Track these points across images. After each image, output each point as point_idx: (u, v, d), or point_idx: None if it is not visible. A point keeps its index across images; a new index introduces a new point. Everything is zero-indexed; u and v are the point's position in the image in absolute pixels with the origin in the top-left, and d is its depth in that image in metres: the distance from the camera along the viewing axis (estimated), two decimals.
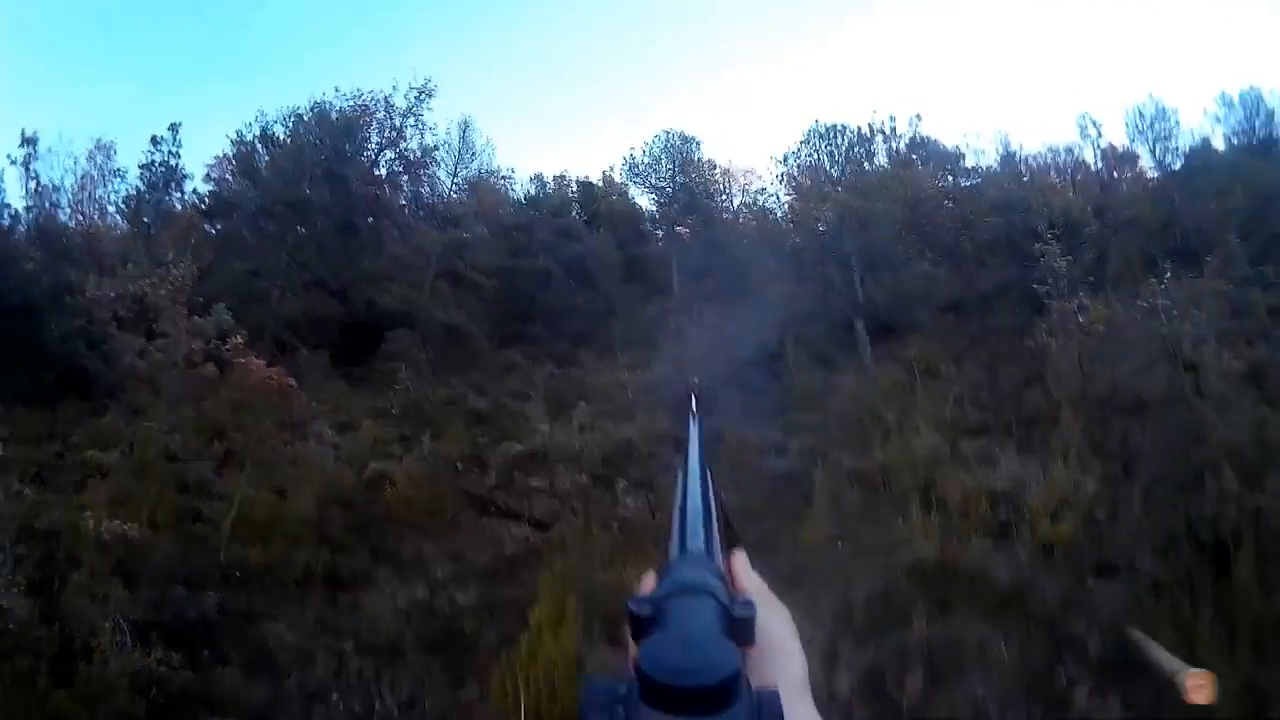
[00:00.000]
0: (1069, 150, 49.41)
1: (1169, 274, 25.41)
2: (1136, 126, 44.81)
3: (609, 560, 20.70)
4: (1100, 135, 45.28)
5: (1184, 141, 46.29)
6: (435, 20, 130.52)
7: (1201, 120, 49.05)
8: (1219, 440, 20.61)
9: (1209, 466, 19.25)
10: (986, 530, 19.28)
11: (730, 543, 1.69)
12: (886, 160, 55.25)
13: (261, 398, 25.10)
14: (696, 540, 1.55)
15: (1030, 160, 51.45)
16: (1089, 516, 19.21)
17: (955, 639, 15.01)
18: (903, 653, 15.19)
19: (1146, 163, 46.07)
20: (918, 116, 56.88)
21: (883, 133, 56.28)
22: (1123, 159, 44.05)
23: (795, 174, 55.89)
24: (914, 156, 55.68)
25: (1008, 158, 51.47)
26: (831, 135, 55.64)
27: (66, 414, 30.10)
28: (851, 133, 55.46)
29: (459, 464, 28.86)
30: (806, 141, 56.04)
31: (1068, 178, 47.54)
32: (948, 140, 57.44)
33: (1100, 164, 45.88)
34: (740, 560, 1.66)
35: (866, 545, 19.97)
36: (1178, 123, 45.33)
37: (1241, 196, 36.55)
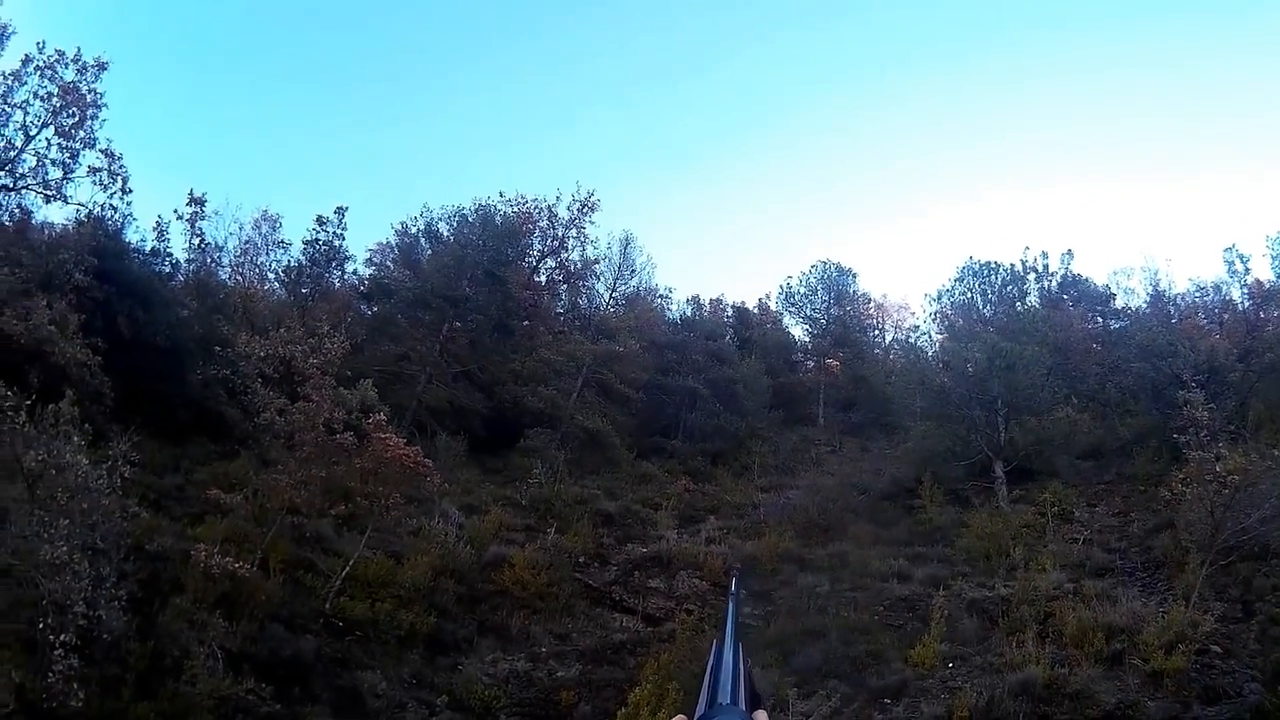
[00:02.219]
0: (1216, 288, 48.01)
1: None
2: None
3: None
4: (1248, 270, 44.02)
5: None
6: (602, 135, 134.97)
7: None
8: None
9: None
10: (1098, 659, 18.83)
11: (755, 704, 1.90)
12: (1038, 299, 54.94)
13: (394, 471, 25.60)
14: (726, 696, 1.81)
15: (1179, 300, 50.19)
16: (1203, 650, 18.84)
17: None
18: None
19: None
20: (1069, 253, 56.87)
21: (1035, 270, 56.28)
22: (1269, 296, 42.63)
23: (948, 312, 56.05)
24: (1065, 296, 55.39)
25: (1156, 297, 50.53)
26: (985, 273, 55.80)
27: (194, 452, 31.22)
28: (1005, 270, 55.53)
29: (581, 558, 29.30)
30: (960, 279, 56.28)
31: (1215, 318, 46.61)
32: (1098, 277, 57.71)
33: (1247, 302, 44.66)
34: (763, 718, 1.86)
35: (976, 665, 19.81)
36: None
37: None
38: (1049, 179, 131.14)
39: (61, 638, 15.07)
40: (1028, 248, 63.18)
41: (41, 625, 15.27)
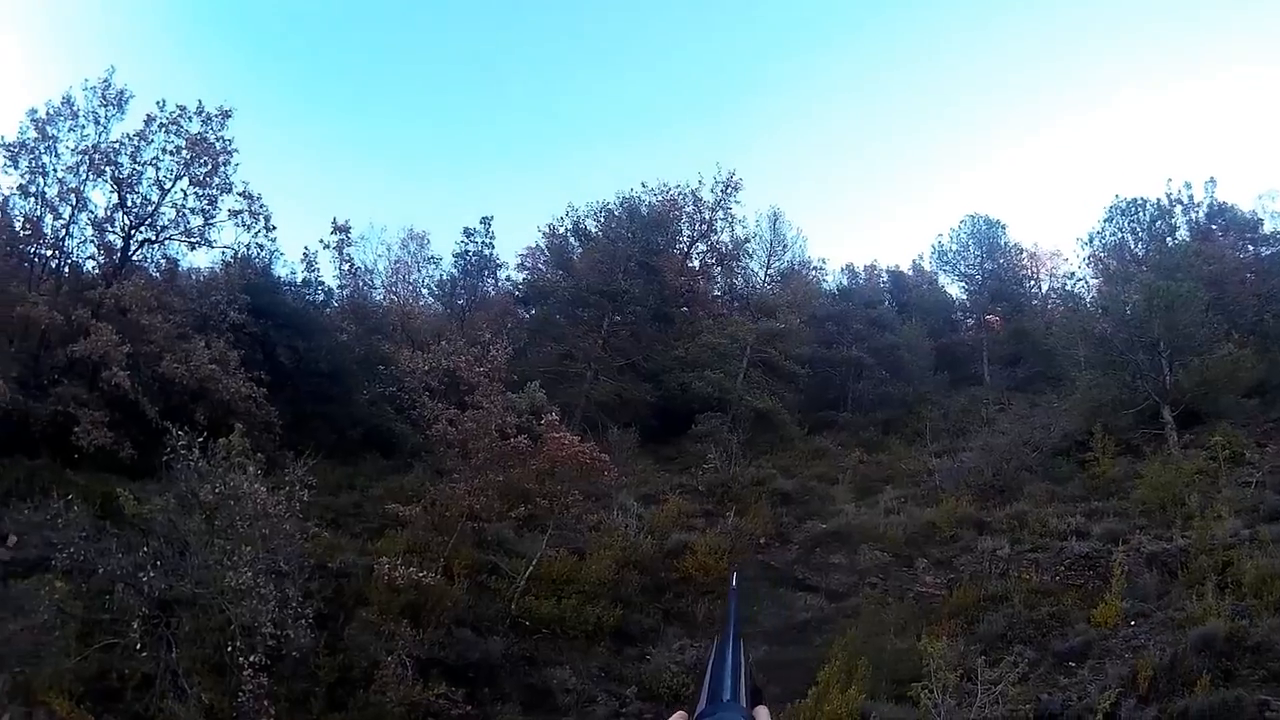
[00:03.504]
0: None
1: None
2: None
3: (902, 629, 21.29)
4: None
5: None
6: (735, 112, 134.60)
7: None
8: None
9: None
10: (1278, 609, 18.39)
11: (756, 700, 1.90)
12: (1187, 233, 53.72)
13: (571, 469, 26.07)
14: (727, 692, 1.82)
15: None
16: None
17: (1236, 702, 15.14)
18: (1184, 715, 15.41)
19: None
20: (1213, 181, 55.15)
21: (1181, 203, 54.90)
22: None
23: (1100, 254, 54.99)
24: (1213, 226, 54.02)
25: None
26: (1132, 210, 54.64)
27: (367, 470, 32.45)
28: (1152, 206, 54.27)
29: (761, 539, 29.57)
30: (1109, 219, 55.26)
31: None
32: (1244, 204, 55.43)
33: None
34: (764, 714, 1.86)
35: (1158, 621, 19.62)
36: None
37: None
38: (1187, 102, 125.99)
39: (251, 658, 15.88)
40: (1170, 179, 61.37)
41: (230, 648, 16.08)
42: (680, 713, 1.80)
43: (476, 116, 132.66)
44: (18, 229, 32.25)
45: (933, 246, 64.63)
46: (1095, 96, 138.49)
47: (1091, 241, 56.06)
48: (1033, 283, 66.94)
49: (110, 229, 33.84)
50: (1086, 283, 56.97)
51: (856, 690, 16.34)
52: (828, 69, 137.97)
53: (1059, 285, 62.97)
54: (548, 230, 58.63)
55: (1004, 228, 62.40)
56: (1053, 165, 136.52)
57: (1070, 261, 62.96)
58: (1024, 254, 66.70)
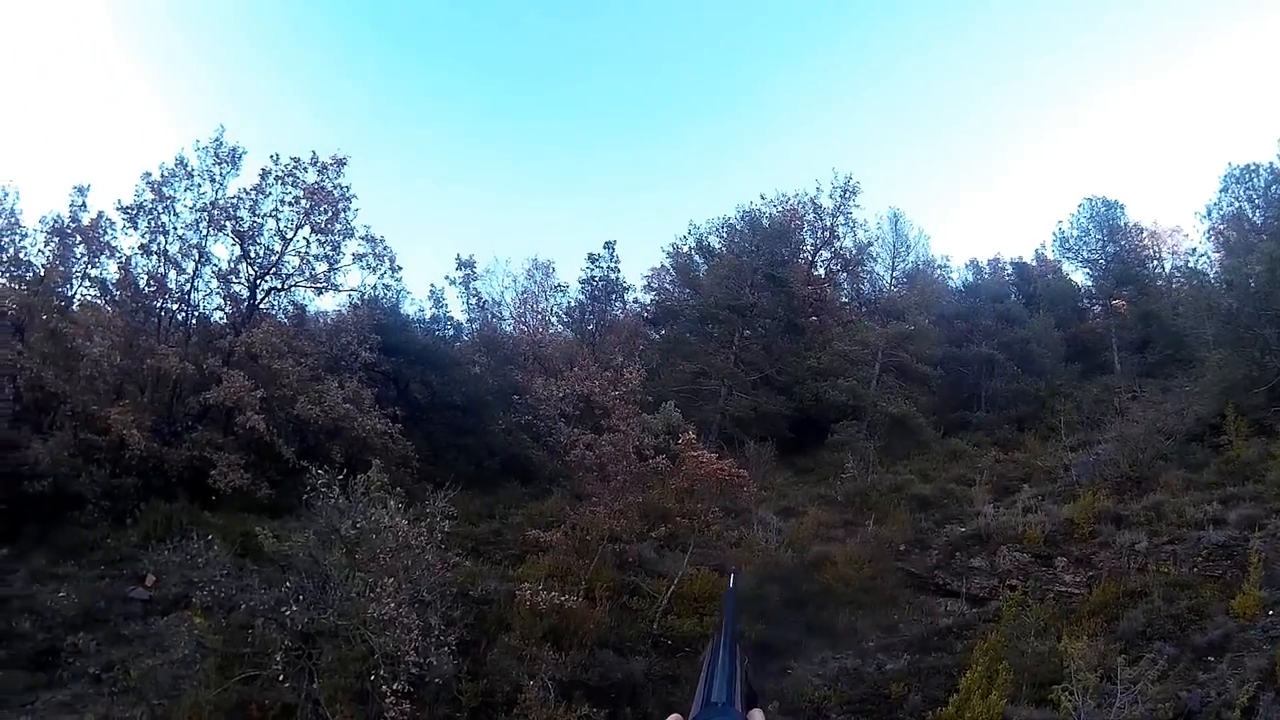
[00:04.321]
0: None
1: None
2: None
3: (1043, 630, 21.39)
4: None
5: None
6: (847, 114, 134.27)
7: None
8: None
9: None
10: None
11: (751, 703, 1.93)
12: None
13: (710, 486, 26.47)
14: (722, 695, 1.84)
15: None
16: None
17: None
18: None
19: None
20: None
21: None
22: None
23: (1220, 226, 53.84)
24: None
25: None
26: (1246, 177, 53.52)
27: (505, 497, 33.19)
28: (1265, 170, 52.90)
29: (901, 546, 29.77)
30: (1224, 189, 54.26)
31: None
32: None
33: None
34: (758, 716, 1.88)
35: None
36: None
37: None
38: None
39: (394, 686, 16.43)
40: None
41: (373, 677, 16.65)
42: (675, 715, 1.85)
43: (593, 141, 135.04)
44: (142, 286, 33.72)
45: (1054, 234, 63.93)
46: (1199, 54, 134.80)
47: (1210, 214, 55.26)
48: (1156, 263, 65.46)
49: (235, 280, 35.42)
50: (1209, 257, 55.80)
51: (998, 695, 16.67)
52: (933, 64, 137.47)
53: (1182, 263, 61.56)
54: (671, 250, 59.75)
55: (1123, 208, 61.43)
56: (1166, 135, 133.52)
57: (1191, 237, 62.18)
58: (1145, 233, 65.47)
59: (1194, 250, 59.54)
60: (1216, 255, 53.96)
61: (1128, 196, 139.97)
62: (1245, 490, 27.38)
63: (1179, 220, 70.62)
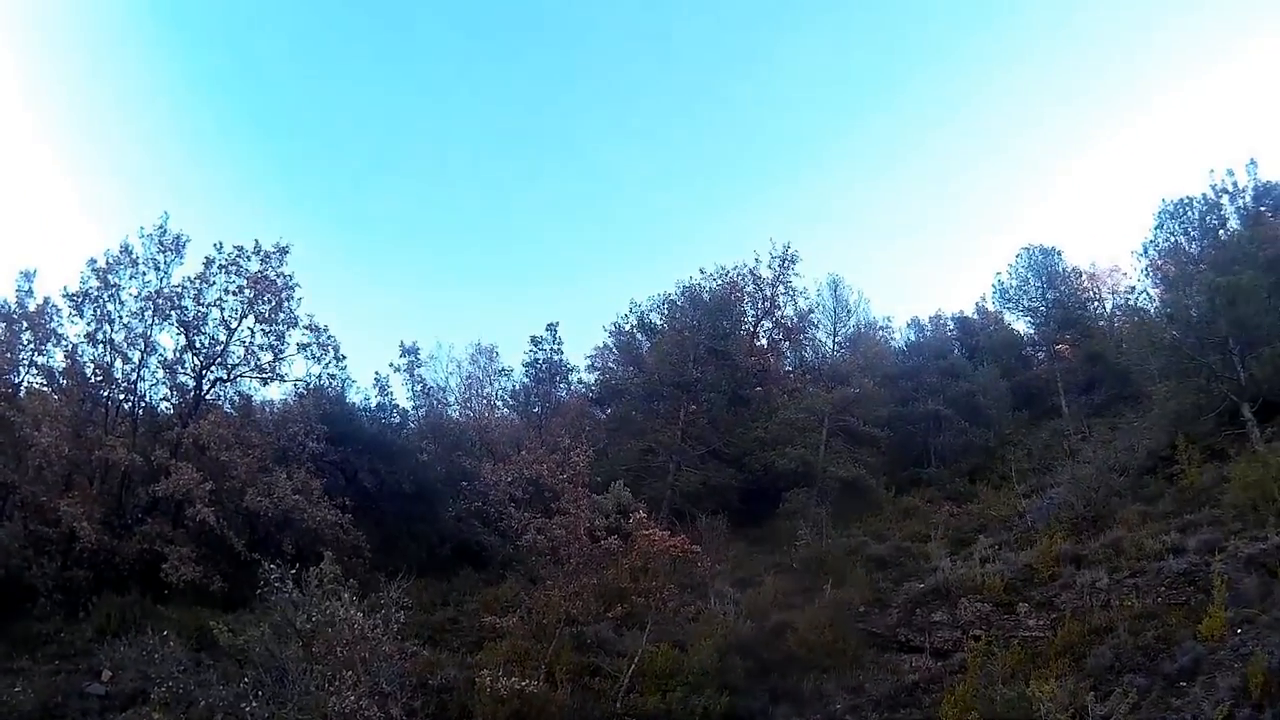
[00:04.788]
0: None
1: None
2: None
3: (1010, 677, 21.03)
4: None
5: None
6: (777, 188, 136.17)
7: None
8: None
9: None
10: None
11: None
12: (1238, 221, 52.71)
13: (664, 563, 26.32)
14: None
15: None
16: None
17: None
18: None
19: None
20: (1254, 163, 54.26)
21: (1227, 192, 54.01)
22: None
23: (1157, 262, 54.12)
24: (1262, 208, 53.00)
25: None
26: (1181, 210, 54.00)
27: (460, 584, 32.99)
28: (1199, 202, 53.60)
29: (861, 607, 29.29)
30: (1159, 225, 54.61)
31: None
32: None
33: None
34: None
35: (1264, 624, 19.33)
36: None
37: None
38: (1217, 89, 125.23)
39: None
40: (1213, 170, 60.67)
41: None
42: None
43: (528, 226, 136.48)
44: (89, 374, 33.68)
45: (994, 285, 63.58)
46: (1128, 101, 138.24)
47: (1146, 251, 55.38)
48: (1097, 304, 66.17)
49: (181, 370, 35.47)
50: (1149, 294, 56.10)
51: None
52: (860, 130, 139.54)
53: (1122, 301, 62.34)
54: (614, 328, 59.99)
55: (1060, 254, 61.81)
56: (1098, 179, 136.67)
57: (1129, 275, 62.52)
58: (1084, 276, 66.23)
59: (1133, 288, 60.02)
60: (1156, 290, 54.31)
61: (1066, 241, 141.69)
62: (1202, 515, 27.43)
63: (1117, 260, 71.68)
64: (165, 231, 34.98)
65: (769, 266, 59.79)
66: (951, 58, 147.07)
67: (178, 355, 35.35)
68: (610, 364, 60.08)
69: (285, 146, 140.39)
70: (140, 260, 34.54)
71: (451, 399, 56.31)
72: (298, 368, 37.93)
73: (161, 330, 35.00)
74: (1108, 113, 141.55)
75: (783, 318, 61.16)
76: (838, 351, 59.78)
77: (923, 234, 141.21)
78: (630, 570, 26.55)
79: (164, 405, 36.15)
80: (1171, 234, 54.40)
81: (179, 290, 34.72)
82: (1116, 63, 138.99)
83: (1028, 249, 61.38)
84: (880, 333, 66.52)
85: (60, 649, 24.94)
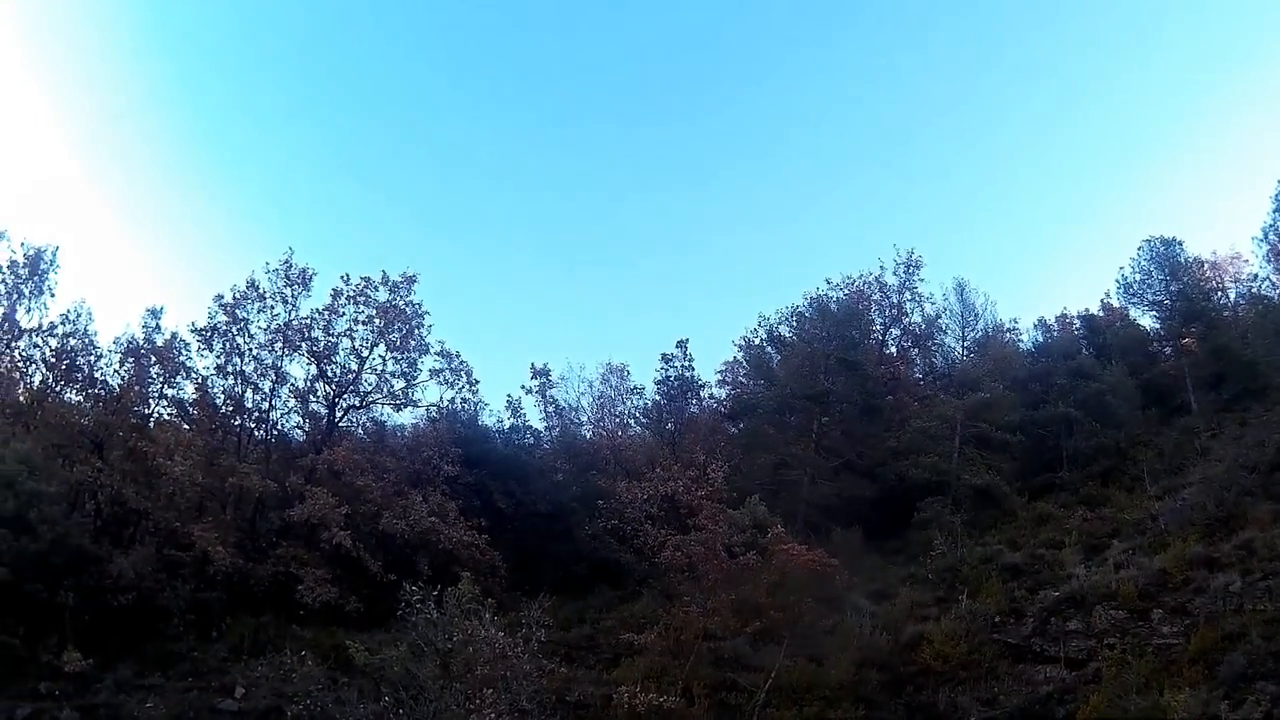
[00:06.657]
0: None
1: None
2: None
3: (1144, 686, 21.30)
4: None
5: None
6: (901, 194, 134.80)
7: None
8: None
9: None
10: None
11: None
12: None
13: (799, 578, 26.91)
14: None
15: None
16: None
17: None
18: None
19: None
20: None
21: None
22: None
23: (1278, 246, 52.93)
24: None
25: None
26: None
27: (596, 602, 33.73)
28: None
29: (996, 617, 29.25)
30: (1278, 209, 52.97)
31: None
32: None
33: None
34: None
35: None
36: None
37: None
38: None
39: None
40: None
41: None
42: None
43: (662, 240, 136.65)
44: (220, 405, 35.37)
45: (1117, 280, 62.60)
46: (1239, 83, 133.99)
47: (1267, 236, 54.13)
48: (1220, 294, 64.43)
49: (314, 398, 37.15)
50: (1270, 280, 55.43)
51: None
52: (983, 129, 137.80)
53: (1245, 290, 61.40)
54: (743, 343, 60.14)
55: (1181, 244, 60.08)
56: (1216, 163, 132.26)
57: (1250, 262, 61.26)
58: (1206, 266, 64.46)
59: (1255, 275, 59.24)
60: (1277, 276, 53.48)
61: (1184, 230, 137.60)
62: None
63: (1237, 246, 69.56)
64: (291, 266, 36.56)
65: (894, 274, 60.01)
66: (1070, 57, 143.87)
67: (309, 384, 36.91)
68: (741, 378, 60.23)
69: (413, 167, 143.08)
70: (267, 294, 36.09)
71: (584, 419, 56.84)
72: (430, 393, 39.61)
73: (292, 361, 36.59)
74: (1220, 99, 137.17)
75: (910, 324, 61.32)
76: (967, 356, 59.63)
77: (1045, 232, 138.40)
78: (768, 585, 27.27)
79: (296, 433, 37.84)
80: None
81: (308, 322, 36.31)
82: (1227, 44, 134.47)
83: (1149, 241, 60.18)
84: (1008, 335, 66.13)
85: (193, 667, 26.03)
